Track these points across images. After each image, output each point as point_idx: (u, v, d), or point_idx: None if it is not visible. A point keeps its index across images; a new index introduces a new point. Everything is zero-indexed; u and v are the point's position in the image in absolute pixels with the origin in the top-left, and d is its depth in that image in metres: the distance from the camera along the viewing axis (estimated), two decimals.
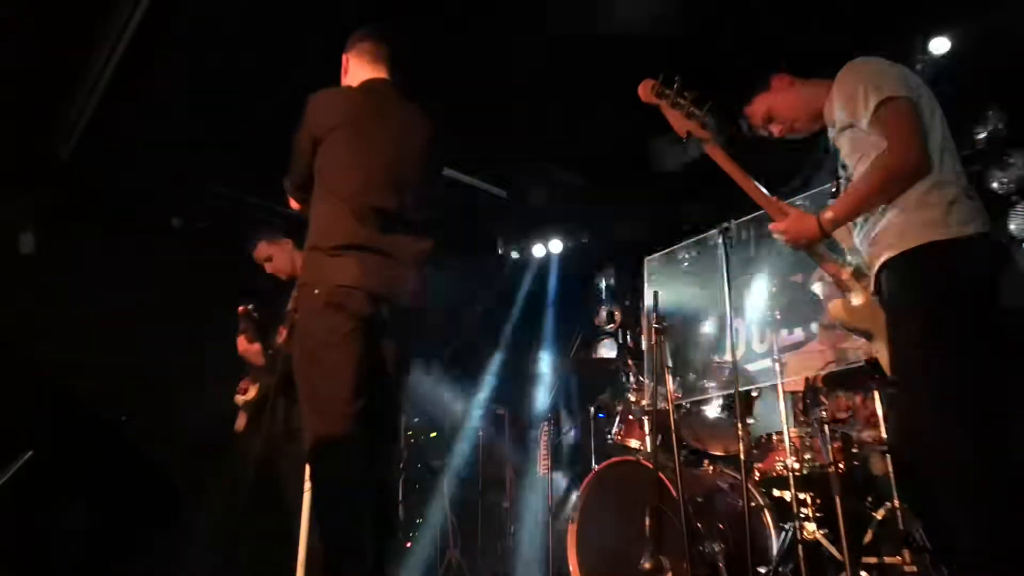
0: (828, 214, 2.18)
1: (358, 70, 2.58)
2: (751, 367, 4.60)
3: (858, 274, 2.25)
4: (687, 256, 5.37)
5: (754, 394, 4.09)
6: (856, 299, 2.24)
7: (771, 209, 2.32)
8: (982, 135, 4.09)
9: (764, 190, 2.33)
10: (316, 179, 2.39)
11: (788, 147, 2.59)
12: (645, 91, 2.43)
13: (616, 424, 4.10)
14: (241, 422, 4.01)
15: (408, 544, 5.34)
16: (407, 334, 2.37)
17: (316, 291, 2.21)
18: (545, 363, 6.29)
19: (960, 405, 1.92)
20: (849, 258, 2.32)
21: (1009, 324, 2.03)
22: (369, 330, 2.22)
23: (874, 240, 2.16)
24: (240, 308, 3.84)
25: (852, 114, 2.16)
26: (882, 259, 2.11)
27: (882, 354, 2.21)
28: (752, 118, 2.49)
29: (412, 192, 2.40)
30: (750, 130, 2.53)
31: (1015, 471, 1.87)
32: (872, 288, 2.19)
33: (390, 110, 2.48)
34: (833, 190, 2.39)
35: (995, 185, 4.09)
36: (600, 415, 4.66)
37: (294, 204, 2.56)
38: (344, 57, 2.62)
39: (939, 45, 4.00)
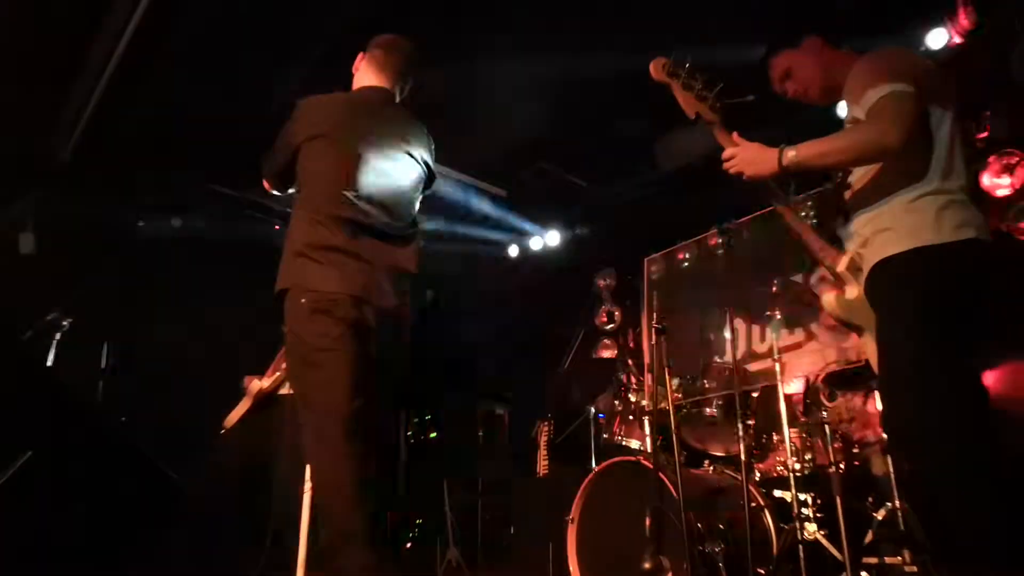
0: (791, 151, 2.16)
1: (363, 74, 2.64)
2: (751, 367, 4.60)
3: (854, 267, 2.24)
4: (687, 256, 5.37)
5: (754, 394, 4.09)
6: (850, 293, 2.24)
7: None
8: (982, 135, 4.08)
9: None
10: (297, 184, 2.47)
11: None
12: (657, 69, 2.41)
13: (616, 424, 4.10)
14: (233, 417, 4.00)
15: (408, 544, 5.34)
16: (395, 336, 2.42)
17: (302, 300, 2.26)
18: (545, 363, 6.29)
19: (947, 405, 1.93)
20: (847, 247, 2.31)
21: (996, 327, 2.04)
22: (357, 333, 2.27)
23: (865, 243, 2.17)
24: None
25: (860, 107, 2.15)
26: (873, 261, 2.12)
27: (870, 350, 2.21)
28: (772, 70, 2.47)
29: (387, 202, 2.44)
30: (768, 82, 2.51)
31: (1007, 470, 1.87)
32: (864, 287, 2.19)
33: (373, 120, 2.52)
34: (834, 184, 2.39)
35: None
36: (600, 415, 4.66)
37: (266, 186, 2.65)
38: (360, 54, 2.66)
39: (936, 38, 3.99)
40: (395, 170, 2.49)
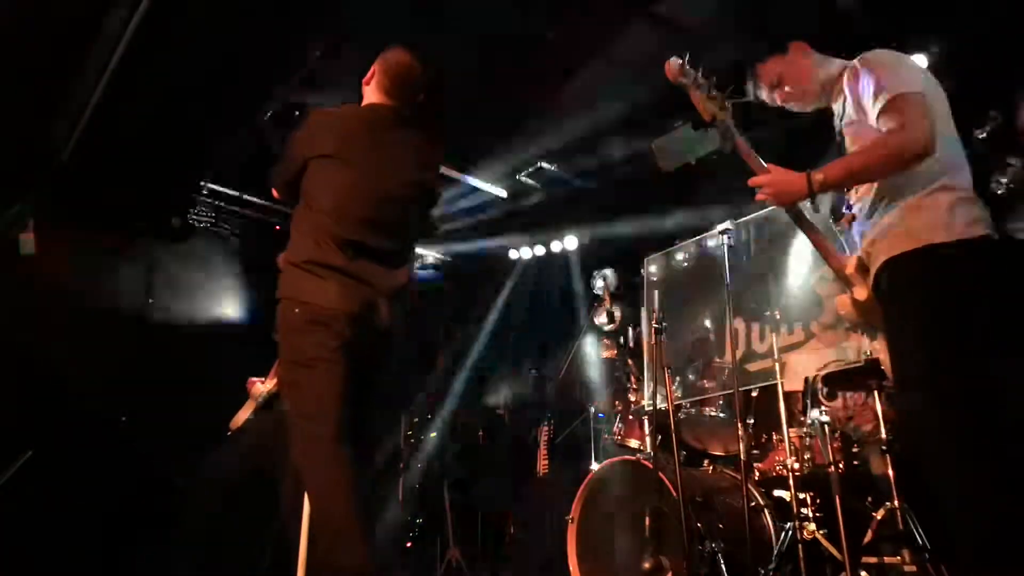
0: (819, 175, 2.14)
1: (374, 90, 2.61)
2: (751, 367, 4.60)
3: (862, 268, 2.23)
4: (687, 256, 5.37)
5: (754, 394, 4.09)
6: (859, 294, 2.23)
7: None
8: (982, 136, 4.08)
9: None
10: (300, 196, 2.47)
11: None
12: (672, 70, 2.39)
13: (616, 424, 4.10)
14: (239, 419, 4.00)
15: (408, 544, 5.34)
16: (386, 355, 2.49)
17: (296, 310, 2.29)
18: (545, 363, 6.29)
19: (959, 407, 1.92)
20: (852, 250, 2.31)
21: (1008, 326, 2.03)
22: (350, 350, 2.30)
23: (874, 241, 2.16)
24: None
25: (863, 108, 2.15)
26: (882, 260, 2.11)
27: (883, 351, 2.20)
28: (761, 78, 2.46)
29: (389, 226, 2.47)
30: (756, 89, 2.49)
31: (1014, 472, 1.87)
32: (872, 286, 2.18)
33: (382, 143, 2.52)
34: None
35: (993, 186, 4.08)
36: (600, 415, 4.66)
37: (275, 194, 2.66)
38: (373, 67, 2.65)
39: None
40: (400, 194, 2.51)
